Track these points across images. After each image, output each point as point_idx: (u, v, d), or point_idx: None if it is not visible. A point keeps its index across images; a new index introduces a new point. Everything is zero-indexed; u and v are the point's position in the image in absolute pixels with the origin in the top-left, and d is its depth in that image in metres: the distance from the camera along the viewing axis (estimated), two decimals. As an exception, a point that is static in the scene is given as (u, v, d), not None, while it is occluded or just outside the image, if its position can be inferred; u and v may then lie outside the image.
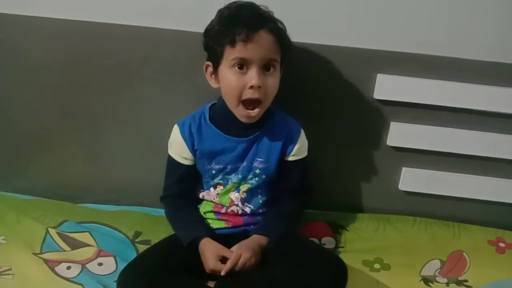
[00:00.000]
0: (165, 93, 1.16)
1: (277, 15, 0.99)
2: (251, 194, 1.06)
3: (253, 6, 0.98)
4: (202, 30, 1.02)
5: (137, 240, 1.12)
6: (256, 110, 0.98)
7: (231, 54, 0.95)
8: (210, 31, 0.99)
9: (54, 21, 1.11)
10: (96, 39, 1.13)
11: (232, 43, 0.94)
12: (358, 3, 1.10)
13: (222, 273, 0.94)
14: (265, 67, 0.96)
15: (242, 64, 0.95)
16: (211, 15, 1.00)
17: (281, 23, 0.99)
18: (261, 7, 0.98)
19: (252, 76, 0.94)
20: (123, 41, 1.12)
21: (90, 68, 1.15)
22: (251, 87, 0.95)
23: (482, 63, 1.11)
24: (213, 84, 1.02)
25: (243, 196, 1.06)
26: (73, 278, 1.00)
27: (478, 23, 1.09)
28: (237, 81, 0.95)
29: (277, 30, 0.97)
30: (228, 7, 0.98)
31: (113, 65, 1.14)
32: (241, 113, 0.99)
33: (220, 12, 0.98)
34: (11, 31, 1.13)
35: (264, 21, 0.96)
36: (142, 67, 1.14)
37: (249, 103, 0.97)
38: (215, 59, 0.98)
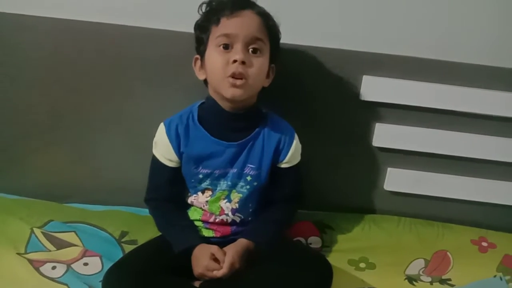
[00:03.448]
0: (154, 93, 1.16)
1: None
2: (242, 204, 1.03)
3: None
4: (192, 30, 1.02)
5: (123, 240, 1.11)
6: (242, 80, 0.94)
7: (216, 33, 0.95)
8: (198, 21, 1.00)
9: (43, 19, 1.10)
10: (86, 38, 1.12)
11: (217, 21, 0.94)
12: (344, 5, 1.11)
13: (215, 276, 0.93)
14: (252, 49, 0.95)
15: (228, 44, 0.94)
16: (202, 15, 1.01)
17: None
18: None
19: (236, 51, 0.94)
20: (113, 41, 1.12)
21: (79, 67, 1.14)
22: (235, 61, 0.93)
23: (467, 66, 1.12)
24: (200, 75, 1.01)
25: (234, 207, 1.03)
26: (58, 278, 0.99)
27: (465, 26, 1.11)
28: (221, 58, 0.94)
29: (265, 14, 0.97)
30: None
31: (102, 65, 1.14)
32: (227, 85, 0.94)
33: (209, 1, 0.99)
34: (0, 29, 1.12)
35: (251, 4, 0.97)
36: (132, 66, 1.14)
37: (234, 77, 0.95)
38: (203, 48, 0.98)
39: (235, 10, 0.94)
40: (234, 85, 0.94)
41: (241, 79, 0.94)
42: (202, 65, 1.00)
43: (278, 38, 1.02)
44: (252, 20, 0.95)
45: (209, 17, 0.97)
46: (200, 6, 1.00)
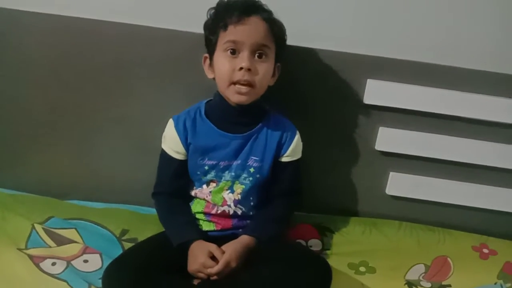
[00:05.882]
0: (155, 91, 1.16)
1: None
2: (245, 196, 1.05)
3: None
4: (193, 29, 1.03)
5: (123, 238, 1.11)
6: (248, 87, 0.97)
7: (223, 38, 0.97)
8: (207, 22, 1.02)
9: (44, 16, 1.10)
10: (87, 36, 1.12)
11: (225, 27, 0.97)
12: (349, 9, 1.11)
13: (210, 273, 0.94)
14: (258, 54, 0.98)
15: (234, 49, 0.97)
16: (203, 14, 1.01)
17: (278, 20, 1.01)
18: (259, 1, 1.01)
19: (243, 58, 0.96)
20: (114, 39, 1.12)
21: (80, 65, 1.15)
22: (241, 68, 0.96)
23: (470, 72, 1.12)
24: (209, 74, 1.03)
25: (237, 198, 1.05)
26: (58, 274, 0.99)
27: (469, 32, 1.11)
28: (228, 63, 0.97)
29: (271, 20, 0.99)
30: None
31: (103, 63, 1.14)
32: (232, 92, 0.98)
33: (218, 4, 1.01)
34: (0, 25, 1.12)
35: (258, 9, 0.99)
36: (133, 65, 1.14)
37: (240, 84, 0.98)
38: (211, 49, 1.00)
39: (242, 17, 0.96)
40: (240, 92, 0.98)
41: (247, 86, 0.97)
42: (211, 65, 1.02)
43: (284, 40, 1.04)
44: (259, 28, 0.97)
45: (217, 20, 0.99)
46: (209, 10, 1.01)
